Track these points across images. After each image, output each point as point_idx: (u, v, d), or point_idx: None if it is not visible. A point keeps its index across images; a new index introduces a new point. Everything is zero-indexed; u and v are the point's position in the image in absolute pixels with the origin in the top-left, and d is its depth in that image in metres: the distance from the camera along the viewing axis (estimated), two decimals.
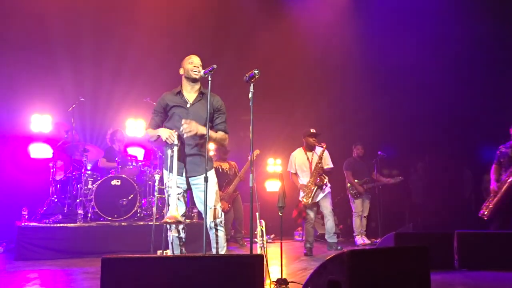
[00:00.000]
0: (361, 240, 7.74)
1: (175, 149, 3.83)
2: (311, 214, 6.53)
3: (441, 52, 8.65)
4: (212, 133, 3.95)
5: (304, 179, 6.62)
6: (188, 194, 4.26)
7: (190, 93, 4.08)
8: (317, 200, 6.55)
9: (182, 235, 4.00)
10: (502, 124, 6.70)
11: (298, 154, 6.76)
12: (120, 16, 8.12)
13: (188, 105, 4.03)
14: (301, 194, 6.56)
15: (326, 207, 6.62)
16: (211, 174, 3.97)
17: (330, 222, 6.65)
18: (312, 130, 6.63)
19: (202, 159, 3.94)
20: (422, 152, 9.24)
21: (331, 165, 6.72)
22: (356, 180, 7.93)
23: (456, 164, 8.92)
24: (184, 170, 3.97)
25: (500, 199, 6.21)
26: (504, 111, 7.70)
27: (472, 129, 8.57)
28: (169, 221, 3.70)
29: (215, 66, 3.81)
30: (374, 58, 8.88)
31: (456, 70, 8.53)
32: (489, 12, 8.02)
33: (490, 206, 6.28)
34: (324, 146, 6.58)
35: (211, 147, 6.89)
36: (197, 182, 3.96)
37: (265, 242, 4.11)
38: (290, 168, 6.76)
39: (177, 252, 4.03)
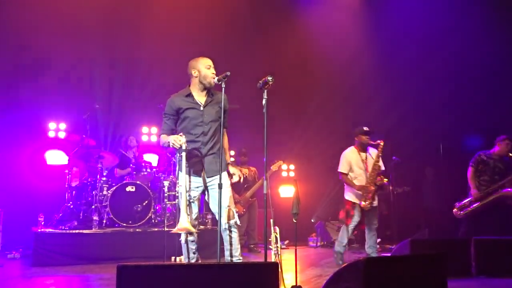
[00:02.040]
0: None
1: (183, 154, 3.83)
2: (357, 217, 5.95)
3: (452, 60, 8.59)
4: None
5: (358, 181, 6.00)
6: (202, 198, 4.25)
7: (200, 95, 4.08)
8: (374, 205, 5.94)
9: (194, 240, 4.00)
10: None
11: (352, 154, 6.11)
12: (132, 23, 8.18)
13: (201, 107, 4.04)
14: (350, 193, 6.04)
15: (374, 220, 6.05)
16: (225, 176, 3.97)
17: (375, 237, 6.06)
18: (366, 128, 6.04)
19: (218, 159, 3.93)
20: (430, 157, 9.09)
21: (383, 167, 6.10)
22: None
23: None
24: (202, 170, 3.97)
25: (483, 207, 6.42)
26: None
27: (480, 129, 8.46)
28: (179, 231, 3.71)
29: (228, 73, 3.82)
30: (396, 64, 8.84)
31: (462, 76, 8.47)
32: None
33: (468, 209, 6.50)
34: (382, 144, 5.94)
35: (231, 152, 6.92)
36: (214, 182, 3.96)
37: (279, 249, 4.08)
38: (343, 168, 6.07)
39: (192, 259, 4.03)
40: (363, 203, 5.84)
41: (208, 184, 4.00)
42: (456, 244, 5.08)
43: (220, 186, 3.67)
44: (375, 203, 5.98)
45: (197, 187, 3.99)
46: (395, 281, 2.95)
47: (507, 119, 7.93)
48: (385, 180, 5.97)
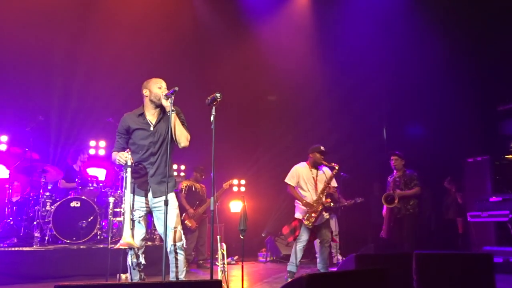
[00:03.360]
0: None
1: (129, 170, 3.79)
2: (305, 236, 5.89)
3: (415, 75, 8.99)
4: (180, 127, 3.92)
5: (306, 196, 5.97)
6: (150, 217, 4.19)
7: (153, 115, 4.04)
8: (317, 224, 5.90)
9: (141, 259, 3.91)
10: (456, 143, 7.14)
11: (303, 169, 6.08)
12: (81, 34, 8.02)
13: (151, 128, 3.99)
14: (299, 212, 5.97)
15: (327, 234, 5.97)
16: (172, 197, 3.92)
17: (326, 252, 6.00)
18: (322, 148, 6.05)
19: (165, 180, 3.89)
20: (378, 172, 9.39)
21: (335, 184, 6.18)
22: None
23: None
24: (147, 191, 3.91)
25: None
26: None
27: (432, 148, 8.87)
28: (122, 247, 3.62)
29: (176, 88, 3.80)
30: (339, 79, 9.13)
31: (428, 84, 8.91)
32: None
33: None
34: (337, 167, 5.96)
35: (181, 167, 6.86)
36: (159, 204, 3.90)
37: (225, 266, 4.07)
38: (291, 181, 6.02)
39: (135, 277, 3.93)
40: (305, 222, 5.78)
41: (154, 205, 3.92)
42: (399, 258, 5.20)
43: (166, 203, 3.62)
44: (326, 215, 5.99)
45: (142, 207, 3.91)
46: None
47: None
48: (331, 204, 5.94)
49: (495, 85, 8.25)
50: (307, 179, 6.03)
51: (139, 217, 3.88)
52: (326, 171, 6.08)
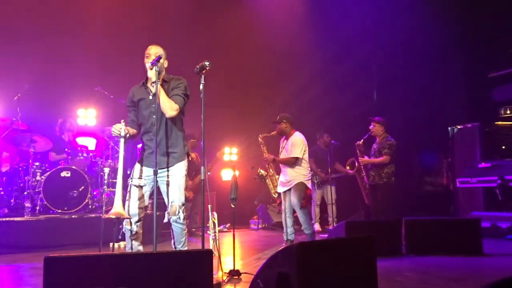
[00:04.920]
0: (318, 227, 7.92)
1: (121, 140, 3.77)
2: (282, 204, 6.00)
3: (405, 42, 8.87)
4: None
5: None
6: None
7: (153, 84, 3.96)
8: (279, 192, 6.07)
9: (135, 228, 3.88)
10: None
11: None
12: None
13: (151, 96, 3.91)
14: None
15: (292, 200, 5.87)
16: (178, 168, 3.88)
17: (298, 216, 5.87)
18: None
19: (169, 150, 3.87)
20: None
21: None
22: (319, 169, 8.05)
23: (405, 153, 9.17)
24: (153, 162, 3.86)
25: None
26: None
27: (422, 115, 8.87)
28: (113, 216, 3.61)
29: (161, 55, 3.72)
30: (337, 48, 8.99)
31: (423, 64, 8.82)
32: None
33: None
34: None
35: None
36: (163, 175, 3.86)
37: (217, 234, 4.08)
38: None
39: (128, 245, 3.93)
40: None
41: (158, 177, 3.88)
42: (388, 225, 5.28)
43: (155, 172, 3.61)
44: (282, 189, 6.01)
45: (147, 176, 3.87)
46: (327, 263, 3.02)
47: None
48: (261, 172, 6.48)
49: (485, 51, 8.18)
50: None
51: (139, 185, 3.84)
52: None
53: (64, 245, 5.81)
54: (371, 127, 6.95)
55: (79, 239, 5.91)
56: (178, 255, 2.82)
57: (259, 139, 6.23)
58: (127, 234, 3.90)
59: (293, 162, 5.85)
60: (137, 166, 3.92)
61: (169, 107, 3.78)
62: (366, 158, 6.91)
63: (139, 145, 4.46)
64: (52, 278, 2.45)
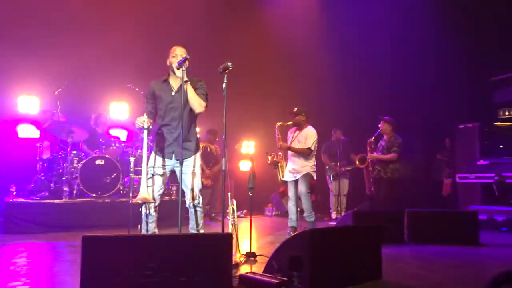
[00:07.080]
0: (335, 215, 7.94)
1: (145, 132, 3.81)
2: (290, 192, 5.99)
3: (415, 37, 8.75)
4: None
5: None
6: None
7: (176, 81, 3.99)
8: (285, 180, 6.05)
9: (152, 211, 3.94)
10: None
11: None
12: (105, 1, 7.87)
13: (173, 93, 3.96)
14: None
15: (300, 189, 5.87)
16: (194, 159, 3.93)
17: (303, 202, 5.86)
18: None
19: (188, 143, 3.91)
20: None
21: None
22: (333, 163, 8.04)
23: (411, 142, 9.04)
24: (171, 154, 3.92)
25: None
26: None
27: (426, 114, 8.75)
28: (139, 201, 3.67)
29: (187, 57, 3.75)
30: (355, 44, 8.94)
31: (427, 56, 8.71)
32: None
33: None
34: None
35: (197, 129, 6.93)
36: (184, 164, 3.90)
37: (236, 219, 4.11)
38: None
39: (144, 227, 3.97)
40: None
41: (176, 167, 3.93)
42: (392, 215, 5.26)
43: (181, 163, 3.65)
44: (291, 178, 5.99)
45: (166, 166, 3.92)
46: (337, 249, 3.03)
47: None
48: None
49: (488, 55, 8.03)
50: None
51: (158, 173, 3.89)
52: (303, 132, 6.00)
53: (97, 225, 5.92)
54: (380, 125, 6.93)
55: (110, 221, 6.01)
56: (202, 237, 2.87)
57: (276, 127, 6.18)
58: (146, 218, 3.95)
59: (308, 153, 5.86)
60: (155, 156, 3.93)
61: (199, 104, 3.86)
62: (375, 154, 6.92)
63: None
64: (90, 255, 2.51)
